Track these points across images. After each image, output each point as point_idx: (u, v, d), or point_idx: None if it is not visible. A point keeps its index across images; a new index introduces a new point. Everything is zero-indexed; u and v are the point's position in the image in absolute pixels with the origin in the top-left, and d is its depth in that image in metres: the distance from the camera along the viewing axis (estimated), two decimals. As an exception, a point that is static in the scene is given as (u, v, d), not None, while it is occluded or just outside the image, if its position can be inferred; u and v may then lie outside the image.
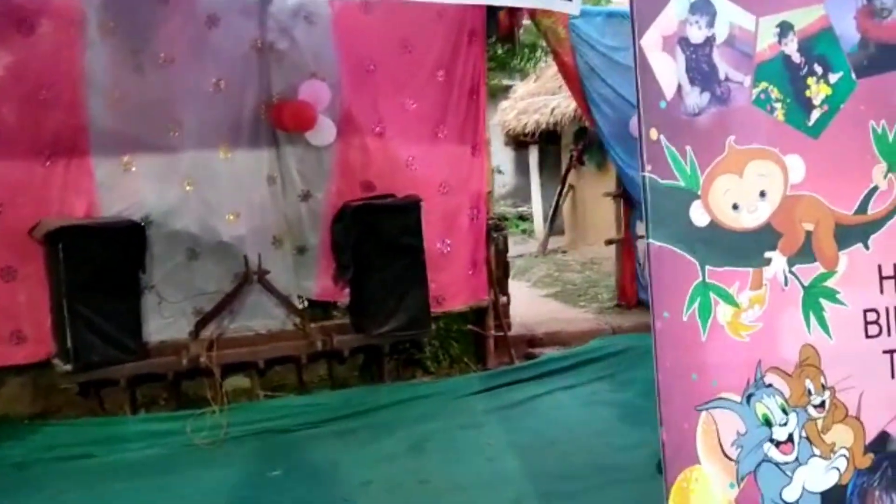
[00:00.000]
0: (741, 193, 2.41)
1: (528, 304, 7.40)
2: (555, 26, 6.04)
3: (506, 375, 5.97)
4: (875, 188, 2.46)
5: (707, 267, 2.37)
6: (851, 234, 2.44)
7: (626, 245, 7.12)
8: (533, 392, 5.67)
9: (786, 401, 2.34)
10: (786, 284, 2.39)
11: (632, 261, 7.11)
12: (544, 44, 6.43)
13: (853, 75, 2.48)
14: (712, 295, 2.36)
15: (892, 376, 2.40)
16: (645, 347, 6.21)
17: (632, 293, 7.12)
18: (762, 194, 2.42)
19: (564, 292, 8.36)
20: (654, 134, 2.39)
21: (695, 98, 2.43)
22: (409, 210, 5.53)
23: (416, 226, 5.54)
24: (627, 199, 6.98)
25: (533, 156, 12.50)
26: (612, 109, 6.47)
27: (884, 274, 2.44)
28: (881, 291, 2.43)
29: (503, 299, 6.31)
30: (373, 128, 5.80)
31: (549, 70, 9.66)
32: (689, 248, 2.37)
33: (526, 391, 5.70)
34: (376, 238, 5.49)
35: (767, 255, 2.40)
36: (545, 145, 11.83)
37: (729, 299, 2.36)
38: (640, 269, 7.14)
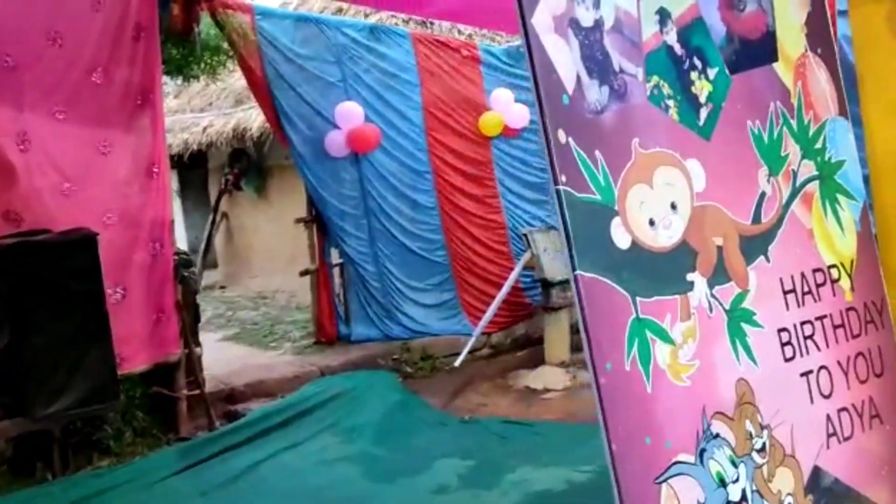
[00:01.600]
0: (654, 206, 2.00)
1: (209, 352, 6.37)
2: (240, 27, 5.25)
3: (211, 444, 4.95)
4: (764, 194, 2.24)
5: (638, 299, 1.91)
6: (754, 246, 2.19)
7: (321, 276, 6.47)
8: (251, 459, 4.77)
9: (733, 451, 1.98)
10: (710, 311, 2.04)
11: (329, 293, 6.48)
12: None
13: (727, 71, 2.24)
14: (648, 333, 1.91)
15: (812, 401, 2.18)
16: (362, 387, 5.82)
17: (331, 328, 6.48)
18: (673, 206, 2.04)
19: (246, 334, 7.42)
20: (562, 136, 1.87)
21: (595, 92, 1.96)
22: (80, 248, 4.32)
23: (91, 268, 4.33)
24: (321, 224, 6.36)
25: (173, 181, 11.17)
26: (307, 125, 5.87)
27: (786, 288, 2.22)
28: (787, 308, 2.20)
29: (197, 351, 5.29)
30: (15, 142, 4.46)
31: (194, 86, 8.63)
32: (617, 277, 1.89)
33: (242, 459, 4.78)
34: (35, 287, 4.18)
35: (689, 277, 2.03)
36: (186, 170, 10.62)
37: (664, 336, 1.93)
38: (338, 301, 6.55)
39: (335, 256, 6.47)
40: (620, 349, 1.85)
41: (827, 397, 2.22)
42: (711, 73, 2.20)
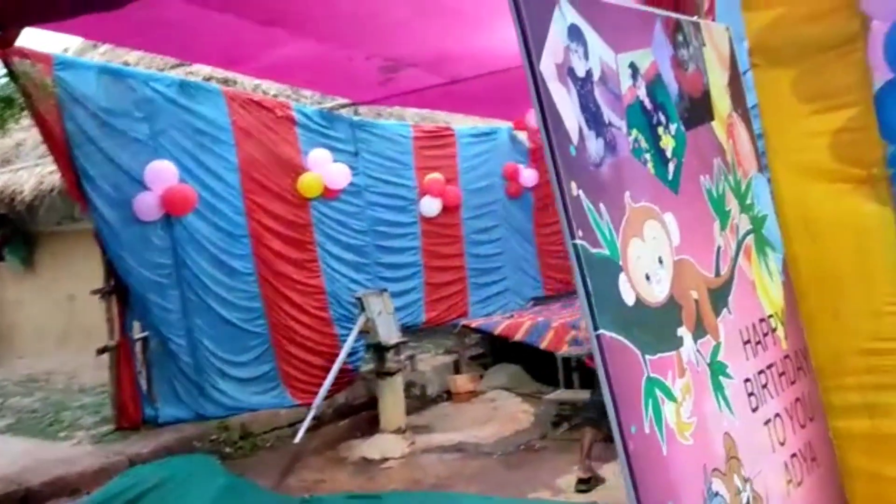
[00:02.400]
0: (648, 261, 1.97)
1: (-18, 448, 5.43)
2: (37, 77, 4.63)
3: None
4: (720, 247, 2.29)
5: (647, 357, 1.84)
6: (718, 298, 2.21)
7: (122, 352, 5.70)
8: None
9: (729, 508, 1.95)
10: (698, 365, 2.02)
11: (132, 371, 5.72)
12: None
13: (682, 127, 2.28)
14: (658, 392, 1.84)
15: (773, 450, 2.22)
16: (181, 475, 5.20)
17: (135, 411, 5.70)
18: (660, 261, 2.01)
19: (24, 423, 6.33)
20: (574, 189, 1.79)
21: (593, 144, 1.91)
22: None
23: None
24: (120, 295, 5.64)
25: None
26: (112, 186, 5.23)
27: (744, 338, 2.26)
28: (747, 358, 2.24)
29: (-9, 447, 4.46)
30: None
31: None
32: (629, 334, 1.82)
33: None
34: None
35: (679, 332, 2.00)
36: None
37: (669, 394, 1.88)
38: (140, 378, 5.80)
39: (137, 330, 5.77)
40: (640, 411, 1.76)
41: (782, 444, 2.27)
42: (672, 128, 2.23)
